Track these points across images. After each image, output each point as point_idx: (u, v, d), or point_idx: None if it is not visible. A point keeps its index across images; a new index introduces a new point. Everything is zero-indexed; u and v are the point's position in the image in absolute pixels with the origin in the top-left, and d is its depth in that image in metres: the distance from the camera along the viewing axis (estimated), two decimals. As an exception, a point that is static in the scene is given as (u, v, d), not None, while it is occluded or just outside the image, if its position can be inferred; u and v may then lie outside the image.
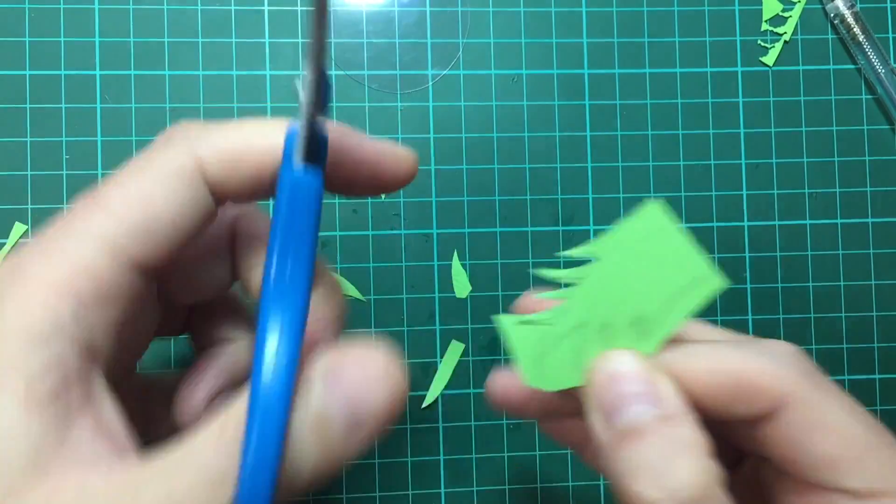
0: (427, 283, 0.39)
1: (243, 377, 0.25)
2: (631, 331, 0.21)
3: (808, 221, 0.41)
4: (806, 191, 0.41)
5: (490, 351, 0.39)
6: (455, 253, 0.39)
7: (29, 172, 0.38)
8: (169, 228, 0.19)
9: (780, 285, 0.40)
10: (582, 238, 0.40)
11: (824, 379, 0.20)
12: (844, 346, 0.40)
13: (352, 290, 0.39)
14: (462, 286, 0.39)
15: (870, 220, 0.41)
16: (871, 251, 0.41)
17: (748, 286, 0.40)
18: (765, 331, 0.40)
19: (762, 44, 0.41)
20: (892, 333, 0.40)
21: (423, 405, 0.39)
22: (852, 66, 0.41)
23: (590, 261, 0.21)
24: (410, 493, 0.38)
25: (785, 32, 0.41)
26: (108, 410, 0.18)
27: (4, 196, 0.38)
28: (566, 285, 0.21)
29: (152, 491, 0.16)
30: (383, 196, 0.39)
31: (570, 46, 0.41)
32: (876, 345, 0.40)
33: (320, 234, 0.39)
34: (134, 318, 0.20)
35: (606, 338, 0.21)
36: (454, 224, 0.40)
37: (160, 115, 0.39)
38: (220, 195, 0.20)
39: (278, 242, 0.19)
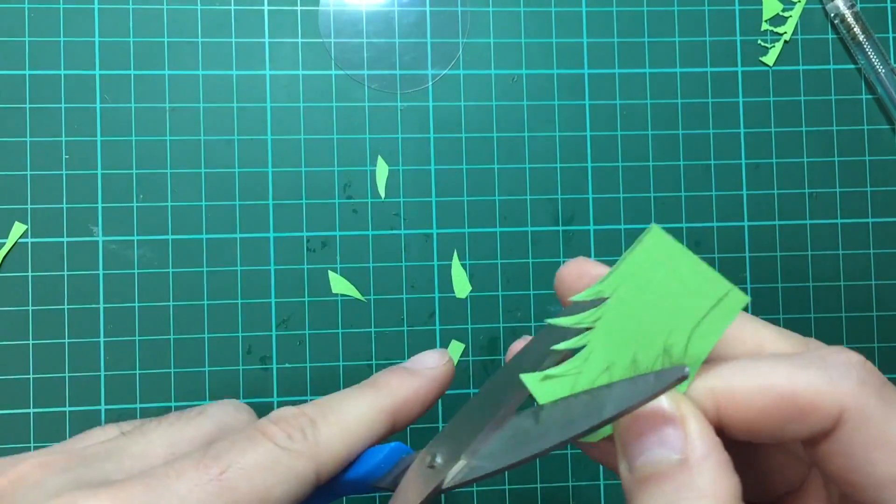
0: (427, 283, 0.39)
1: None
2: (660, 364, 0.19)
3: (808, 221, 0.41)
4: (806, 191, 0.41)
5: (490, 351, 0.39)
6: (455, 253, 0.39)
7: (29, 172, 0.38)
8: None
9: (780, 285, 0.40)
10: (582, 238, 0.40)
11: (890, 390, 0.18)
12: (844, 346, 0.40)
13: (352, 291, 0.39)
14: (462, 286, 0.39)
15: (870, 220, 0.41)
16: (871, 251, 0.41)
17: (748, 286, 0.40)
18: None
19: (762, 44, 0.41)
20: (892, 333, 0.40)
21: (423, 405, 0.39)
22: (852, 66, 0.41)
23: (601, 301, 0.20)
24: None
25: (785, 32, 0.41)
26: None
27: (4, 196, 0.38)
28: (582, 330, 0.20)
29: None
30: (383, 196, 0.40)
31: (570, 46, 0.41)
32: (876, 345, 0.40)
33: (320, 233, 0.39)
34: None
35: (634, 372, 0.20)
36: (454, 224, 0.40)
37: (160, 115, 0.39)
38: (320, 485, 0.22)
39: None
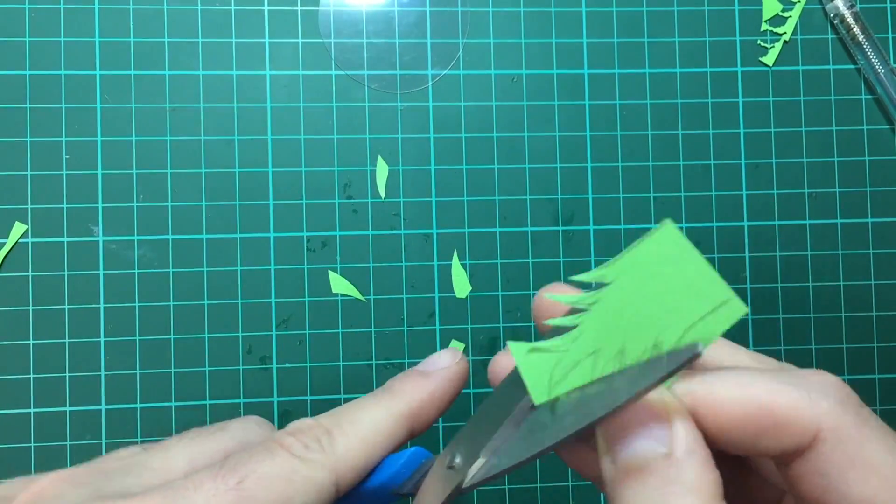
0: (427, 283, 0.39)
1: None
2: (648, 357, 0.19)
3: (807, 221, 0.41)
4: (806, 191, 0.41)
5: (490, 351, 0.39)
6: (455, 253, 0.39)
7: (29, 172, 0.38)
8: None
9: (779, 285, 0.40)
10: (582, 238, 0.40)
11: (867, 412, 0.18)
12: (844, 345, 0.40)
13: (352, 290, 0.39)
14: (462, 286, 0.39)
15: (869, 220, 0.41)
16: (871, 251, 0.41)
17: (748, 286, 0.40)
18: (764, 331, 0.40)
19: (762, 44, 0.41)
20: (892, 333, 0.40)
21: (423, 405, 0.39)
22: (852, 66, 0.41)
23: (602, 285, 0.20)
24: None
25: (785, 32, 0.41)
26: None
27: (4, 196, 0.38)
28: (578, 310, 0.20)
29: None
30: (383, 196, 0.40)
31: (570, 46, 0.41)
32: (876, 345, 0.40)
33: (320, 233, 0.39)
34: None
35: (621, 365, 0.20)
36: (454, 224, 0.40)
37: (160, 115, 0.39)
38: (339, 496, 0.22)
39: None
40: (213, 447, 0.23)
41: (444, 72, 0.40)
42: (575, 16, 0.41)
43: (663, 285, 0.19)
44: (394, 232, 0.39)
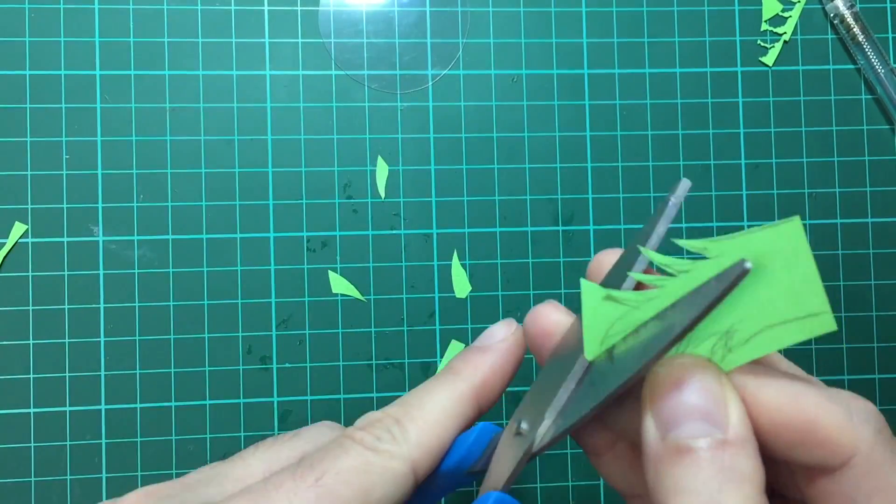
0: (427, 283, 0.39)
1: None
2: (714, 340, 0.19)
3: (807, 221, 0.41)
4: (806, 191, 0.41)
5: (490, 351, 0.39)
6: (455, 253, 0.39)
7: (29, 172, 0.38)
8: None
9: (779, 285, 0.40)
10: (582, 238, 0.40)
11: None
12: (844, 345, 0.40)
13: (352, 290, 0.39)
14: (462, 286, 0.39)
15: (869, 220, 0.41)
16: (871, 251, 0.41)
17: (748, 286, 0.40)
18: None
19: (762, 44, 0.41)
20: (892, 333, 0.40)
21: (423, 405, 0.39)
22: (852, 66, 0.41)
23: (700, 258, 0.19)
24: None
25: (785, 32, 0.41)
26: None
27: (4, 196, 0.38)
28: (665, 273, 0.19)
29: None
30: (383, 196, 0.40)
31: (570, 46, 0.41)
32: (876, 345, 0.40)
33: (320, 233, 0.39)
34: None
35: (687, 340, 0.19)
36: (454, 224, 0.40)
37: (160, 115, 0.39)
38: (419, 482, 0.23)
39: None
40: (288, 453, 0.23)
41: (444, 72, 0.40)
42: (575, 16, 0.41)
43: (764, 278, 0.18)
44: (394, 232, 0.39)
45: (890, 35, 0.42)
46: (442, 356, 0.39)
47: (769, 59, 0.41)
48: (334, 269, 0.39)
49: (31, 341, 0.38)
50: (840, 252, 0.41)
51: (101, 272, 0.38)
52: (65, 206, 0.38)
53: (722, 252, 0.19)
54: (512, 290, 0.40)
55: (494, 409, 0.39)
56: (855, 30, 0.40)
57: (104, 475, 0.37)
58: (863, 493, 0.18)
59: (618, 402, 0.20)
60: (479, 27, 0.40)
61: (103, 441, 0.37)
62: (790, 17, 0.41)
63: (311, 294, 0.39)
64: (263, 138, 0.39)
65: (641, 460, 0.19)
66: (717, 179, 0.41)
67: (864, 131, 0.41)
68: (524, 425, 0.21)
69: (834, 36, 0.42)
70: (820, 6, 0.41)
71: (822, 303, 0.18)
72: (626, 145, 0.40)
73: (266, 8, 0.40)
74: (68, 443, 0.37)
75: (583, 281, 0.21)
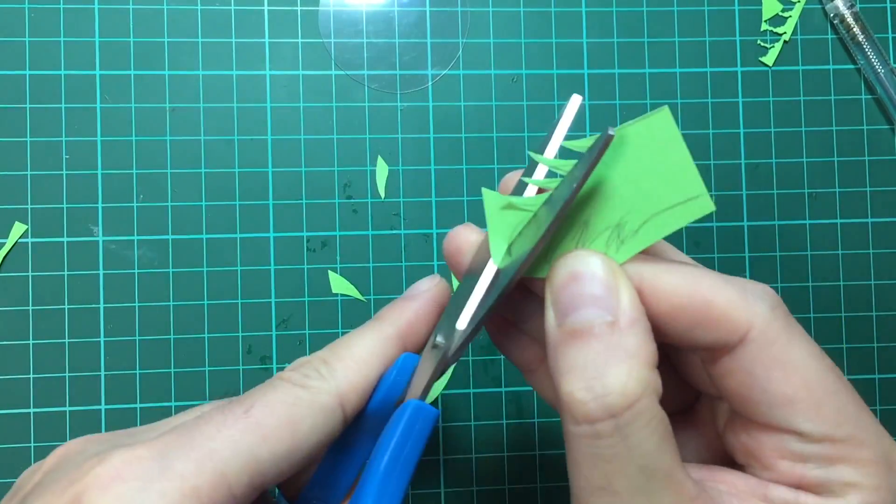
0: (427, 283, 0.39)
1: None
2: (608, 234, 0.20)
3: (807, 221, 0.41)
4: (806, 191, 0.41)
5: (490, 351, 0.39)
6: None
7: (29, 172, 0.38)
8: (305, 453, 0.21)
9: (779, 285, 0.40)
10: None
11: (793, 321, 0.20)
12: (844, 345, 0.40)
13: (352, 291, 0.39)
14: (462, 286, 0.39)
15: (869, 220, 0.41)
16: (871, 251, 0.41)
17: (748, 286, 0.40)
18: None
19: (762, 44, 0.41)
20: (892, 333, 0.40)
21: (423, 405, 0.39)
22: (852, 66, 0.41)
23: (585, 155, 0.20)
24: (410, 493, 0.38)
25: (785, 32, 0.41)
26: None
27: (4, 196, 0.38)
28: (556, 175, 0.21)
29: None
30: (383, 196, 0.40)
31: (570, 46, 0.41)
32: (876, 345, 0.40)
33: (320, 233, 0.39)
34: None
35: (581, 235, 0.20)
36: (454, 224, 0.39)
37: (160, 115, 0.39)
38: (348, 418, 0.23)
39: (386, 462, 0.22)
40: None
41: (444, 72, 0.40)
42: (575, 16, 0.41)
43: (642, 168, 0.20)
44: (394, 232, 0.39)
45: (890, 35, 0.42)
46: (442, 356, 0.39)
47: (769, 59, 0.41)
48: (334, 269, 0.39)
49: (31, 341, 0.38)
50: (840, 252, 0.41)
51: (101, 272, 0.38)
52: (65, 206, 0.38)
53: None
54: (512, 290, 0.40)
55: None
56: (855, 30, 0.40)
57: (104, 475, 0.37)
58: (761, 366, 0.19)
59: (539, 313, 0.21)
60: (479, 27, 0.40)
61: (103, 441, 0.37)
62: (790, 17, 0.41)
63: (311, 294, 0.39)
64: (263, 138, 0.39)
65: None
66: (717, 179, 0.41)
67: (864, 131, 0.41)
68: (439, 338, 0.23)
69: (834, 36, 0.42)
70: (820, 6, 0.41)
71: (699, 185, 0.19)
72: (626, 145, 0.40)
73: (266, 8, 0.40)
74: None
75: (484, 189, 0.22)
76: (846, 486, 0.19)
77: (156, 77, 0.39)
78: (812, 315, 0.40)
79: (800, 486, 0.19)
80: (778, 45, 0.41)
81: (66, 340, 0.38)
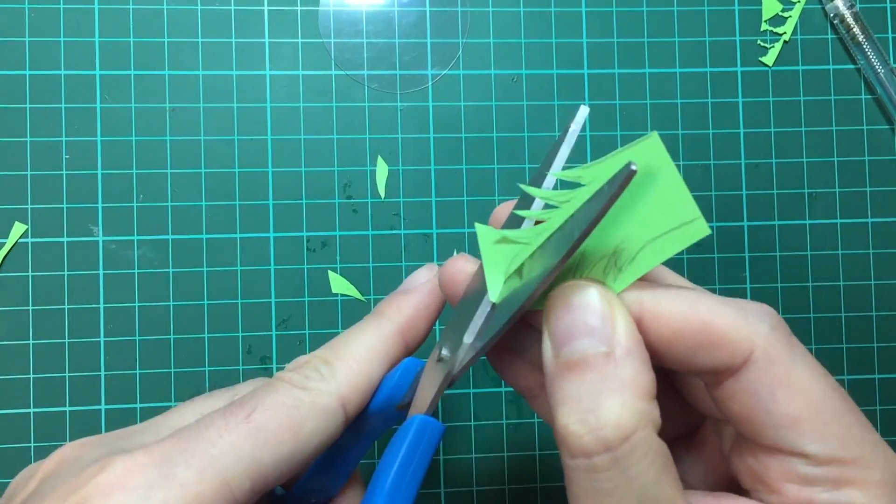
0: (427, 283, 0.39)
1: None
2: (605, 262, 0.20)
3: (807, 221, 0.41)
4: (805, 191, 0.41)
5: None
6: (455, 253, 0.39)
7: (29, 172, 0.38)
8: (306, 455, 0.21)
9: (779, 285, 0.40)
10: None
11: (795, 340, 0.19)
12: (844, 345, 0.40)
13: (352, 290, 0.39)
14: (462, 286, 0.39)
15: (869, 220, 0.41)
16: (871, 251, 0.41)
17: (748, 286, 0.40)
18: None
19: (762, 44, 0.41)
20: (892, 333, 0.40)
21: (423, 405, 0.39)
22: (852, 66, 0.41)
23: (578, 185, 0.20)
24: (410, 492, 0.38)
25: (784, 32, 0.41)
26: None
27: (4, 196, 0.38)
28: (549, 206, 0.20)
29: None
30: (383, 196, 0.40)
31: (570, 46, 0.41)
32: (875, 345, 0.40)
33: (321, 233, 0.39)
34: None
35: (578, 266, 0.20)
36: (454, 224, 0.40)
37: (160, 115, 0.39)
38: (350, 418, 0.23)
39: (392, 478, 0.22)
40: (221, 403, 0.23)
41: (444, 72, 0.40)
42: (575, 16, 0.41)
43: (636, 195, 0.19)
44: (394, 232, 0.39)
45: (890, 35, 0.42)
46: (442, 356, 0.39)
47: (769, 59, 0.41)
48: (334, 269, 0.39)
49: (31, 341, 0.38)
50: (840, 252, 0.41)
51: (101, 272, 0.38)
52: (65, 206, 0.38)
53: (595, 177, 0.20)
54: (512, 290, 0.40)
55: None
56: (855, 30, 0.40)
57: (104, 475, 0.37)
58: (765, 387, 0.19)
59: (539, 341, 0.21)
60: (479, 27, 0.40)
61: (103, 441, 0.37)
62: (790, 17, 0.41)
63: (311, 294, 0.39)
64: (263, 138, 0.39)
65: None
66: (717, 179, 0.41)
67: (864, 131, 0.41)
68: (445, 351, 0.23)
69: (834, 36, 0.42)
70: (820, 6, 0.41)
71: (693, 210, 0.19)
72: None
73: (266, 8, 0.40)
74: (68, 443, 0.37)
75: (477, 224, 0.22)
76: None
77: (156, 77, 0.39)
78: (812, 315, 0.40)
79: None
80: (778, 45, 0.41)
81: (66, 340, 0.38)
